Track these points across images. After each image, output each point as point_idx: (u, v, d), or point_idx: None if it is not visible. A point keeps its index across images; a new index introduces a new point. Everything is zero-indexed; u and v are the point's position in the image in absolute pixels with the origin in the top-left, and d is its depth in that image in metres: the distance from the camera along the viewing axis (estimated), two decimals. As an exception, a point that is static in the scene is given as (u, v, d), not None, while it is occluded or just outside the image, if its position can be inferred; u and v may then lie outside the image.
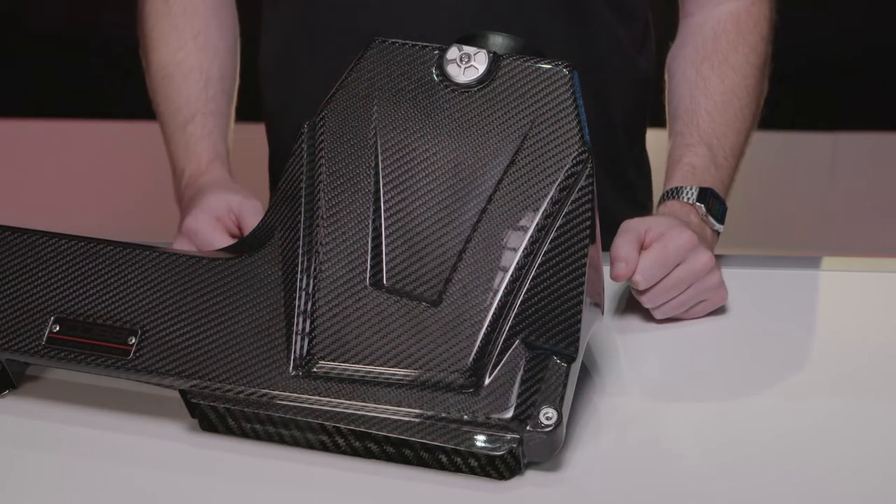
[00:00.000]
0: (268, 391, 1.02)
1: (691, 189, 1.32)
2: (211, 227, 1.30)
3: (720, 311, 1.27)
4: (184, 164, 1.40)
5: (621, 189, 1.53)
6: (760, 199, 2.93)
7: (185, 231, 1.31)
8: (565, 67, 1.08)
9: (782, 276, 1.35)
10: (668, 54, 1.46)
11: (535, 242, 1.04)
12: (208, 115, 1.42)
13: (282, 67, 1.50)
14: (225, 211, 1.31)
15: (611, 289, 1.24)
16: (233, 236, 1.30)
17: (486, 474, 1.01)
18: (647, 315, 1.25)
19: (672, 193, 1.32)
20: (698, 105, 1.40)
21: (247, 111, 1.54)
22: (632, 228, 1.22)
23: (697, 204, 1.31)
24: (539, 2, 1.42)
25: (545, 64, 1.08)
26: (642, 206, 1.58)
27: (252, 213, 1.30)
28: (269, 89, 1.54)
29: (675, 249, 1.21)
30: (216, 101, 1.44)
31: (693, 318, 1.24)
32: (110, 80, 2.97)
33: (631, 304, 1.27)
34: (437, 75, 1.09)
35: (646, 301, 1.23)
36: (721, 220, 1.33)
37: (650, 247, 1.21)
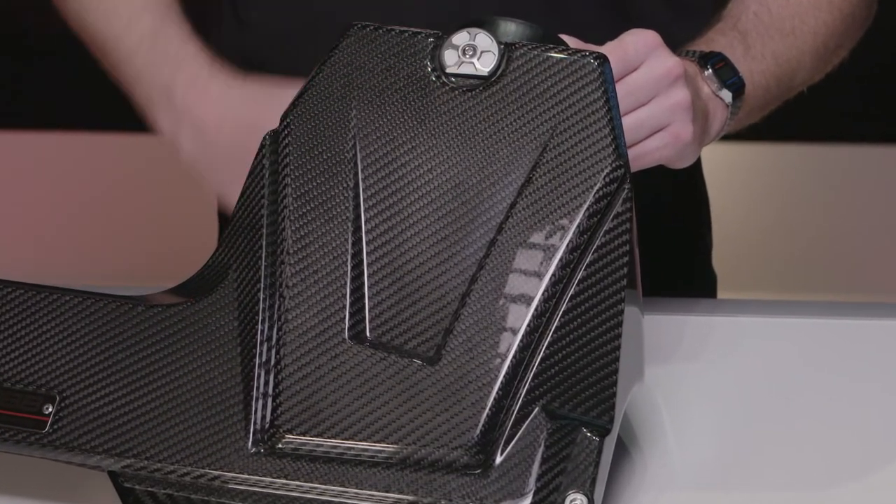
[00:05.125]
0: (221, 473, 0.95)
1: (695, 52, 1.19)
2: None
3: (793, 370, 1.18)
4: (167, 74, 1.26)
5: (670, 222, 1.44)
6: (834, 230, 2.89)
7: None
8: (594, 58, 0.99)
9: (869, 328, 1.27)
10: None
11: (557, 283, 0.96)
12: (178, 21, 1.30)
13: (248, 62, 1.39)
14: None
15: (653, 343, 1.14)
16: None
17: (498, 578, 0.94)
18: (699, 376, 1.17)
19: None
20: (746, 7, 1.27)
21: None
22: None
23: (693, 55, 1.17)
24: None
25: (568, 54, 1.00)
26: (700, 243, 1.49)
27: None
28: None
29: (633, 45, 1.07)
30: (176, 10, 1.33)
31: (646, 165, 1.10)
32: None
33: (680, 361, 1.19)
34: (433, 69, 1.02)
35: None
36: (732, 89, 1.17)
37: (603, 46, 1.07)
